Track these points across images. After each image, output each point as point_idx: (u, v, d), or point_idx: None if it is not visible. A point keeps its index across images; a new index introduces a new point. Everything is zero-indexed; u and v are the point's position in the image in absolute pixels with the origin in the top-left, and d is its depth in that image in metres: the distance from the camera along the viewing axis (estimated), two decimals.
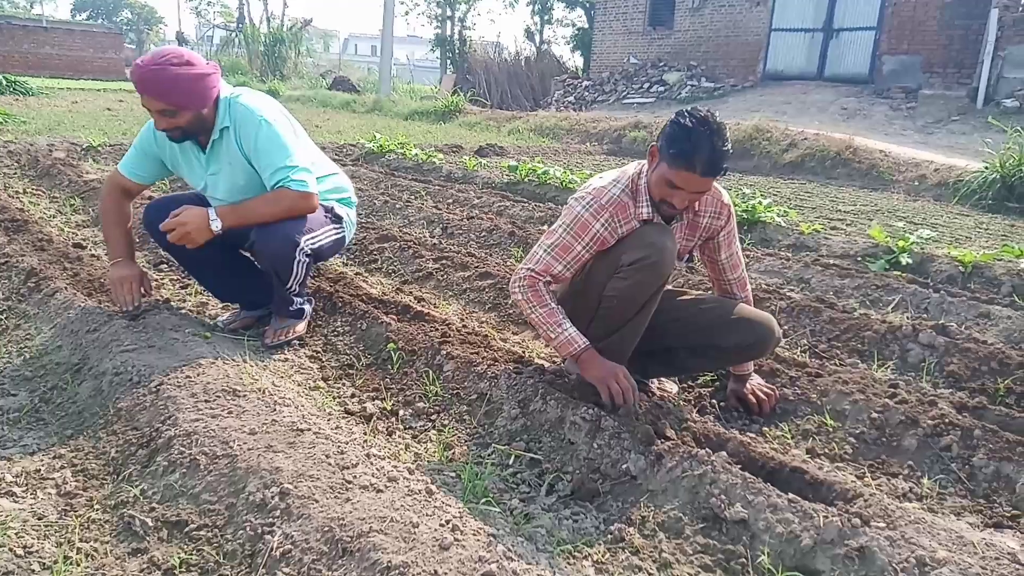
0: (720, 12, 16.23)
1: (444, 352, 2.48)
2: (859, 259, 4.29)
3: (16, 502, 1.68)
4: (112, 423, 1.98)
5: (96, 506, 1.68)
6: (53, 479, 1.78)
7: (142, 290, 2.63)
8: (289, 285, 2.63)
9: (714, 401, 2.43)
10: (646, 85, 16.62)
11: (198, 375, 2.11)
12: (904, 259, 4.08)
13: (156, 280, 3.28)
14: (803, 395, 2.40)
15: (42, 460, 1.87)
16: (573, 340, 2.10)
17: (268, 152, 2.45)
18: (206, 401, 1.95)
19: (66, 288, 2.86)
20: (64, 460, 1.87)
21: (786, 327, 3.06)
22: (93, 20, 47.15)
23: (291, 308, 2.73)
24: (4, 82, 13.89)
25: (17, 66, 21.93)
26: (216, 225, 2.39)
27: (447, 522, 1.52)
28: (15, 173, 5.96)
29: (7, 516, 1.60)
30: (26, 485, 1.75)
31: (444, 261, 3.77)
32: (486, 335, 2.80)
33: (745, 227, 4.96)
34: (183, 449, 1.75)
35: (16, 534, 1.55)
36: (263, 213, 2.47)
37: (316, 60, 31.80)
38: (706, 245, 2.34)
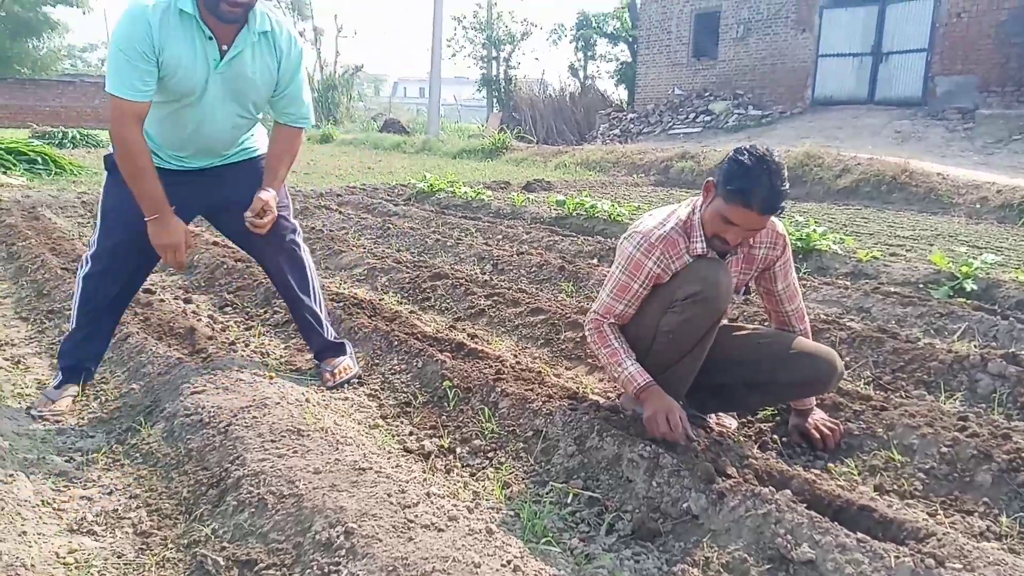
0: (765, 40, 16.19)
1: (499, 389, 2.50)
2: (921, 286, 4.17)
3: (97, 540, 1.75)
4: (183, 463, 2.06)
5: (170, 545, 1.74)
6: (130, 518, 1.85)
7: (187, 248, 2.45)
8: (312, 291, 2.78)
9: (775, 436, 2.38)
10: (692, 115, 16.61)
11: (264, 415, 2.18)
12: (968, 285, 3.95)
13: (221, 323, 3.41)
14: (868, 429, 2.33)
15: (119, 500, 1.95)
16: (633, 378, 2.14)
17: (301, 87, 2.54)
18: (272, 441, 2.02)
19: (137, 332, 3.00)
20: (139, 500, 1.95)
21: (848, 359, 2.99)
22: None
23: (330, 339, 2.83)
24: (78, 136, 14.73)
25: (90, 120, 23.26)
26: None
27: (508, 562, 1.53)
28: (88, 222, 6.29)
29: (90, 555, 1.68)
30: (105, 524, 1.83)
31: (496, 297, 3.82)
32: (540, 371, 2.82)
33: (800, 255, 4.88)
34: (251, 489, 1.81)
35: (98, 572, 1.62)
36: (287, 171, 2.62)
37: (367, 104, 32.84)
38: (762, 276, 2.32)
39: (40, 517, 1.81)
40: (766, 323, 2.54)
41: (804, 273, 4.60)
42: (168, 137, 2.46)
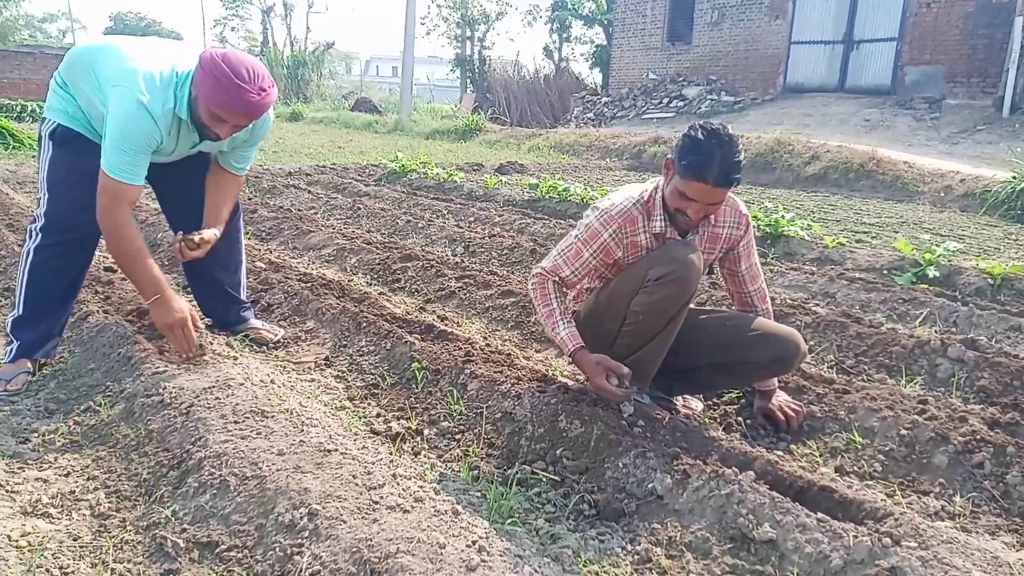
0: (739, 26, 16.23)
1: (468, 371, 2.49)
2: (885, 272, 4.24)
3: (52, 523, 1.71)
4: (144, 444, 2.02)
5: (129, 527, 1.71)
6: (87, 500, 1.82)
7: (199, 326, 2.50)
8: (243, 260, 3.00)
9: (740, 419, 2.42)
10: (665, 100, 16.63)
11: (227, 396, 2.14)
12: (931, 272, 4.03)
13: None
14: (831, 412, 2.37)
15: (77, 481, 1.91)
16: (565, 342, 2.19)
17: (255, 150, 2.72)
18: (235, 422, 1.98)
19: (98, 311, 2.93)
20: (98, 481, 1.91)
21: (812, 343, 3.03)
22: None
23: (246, 302, 3.02)
24: (37, 109, 14.26)
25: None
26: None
27: (473, 543, 1.52)
28: None
29: (44, 537, 1.64)
30: (62, 506, 1.79)
31: (466, 279, 3.80)
32: (509, 353, 2.81)
33: (768, 241, 4.93)
34: (213, 470, 1.78)
35: (53, 555, 1.58)
36: (228, 212, 2.71)
37: (338, 82, 32.26)
38: (726, 257, 2.35)
39: None
40: (730, 306, 2.57)
41: (772, 258, 4.65)
42: None
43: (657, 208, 2.15)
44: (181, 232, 2.56)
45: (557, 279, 2.23)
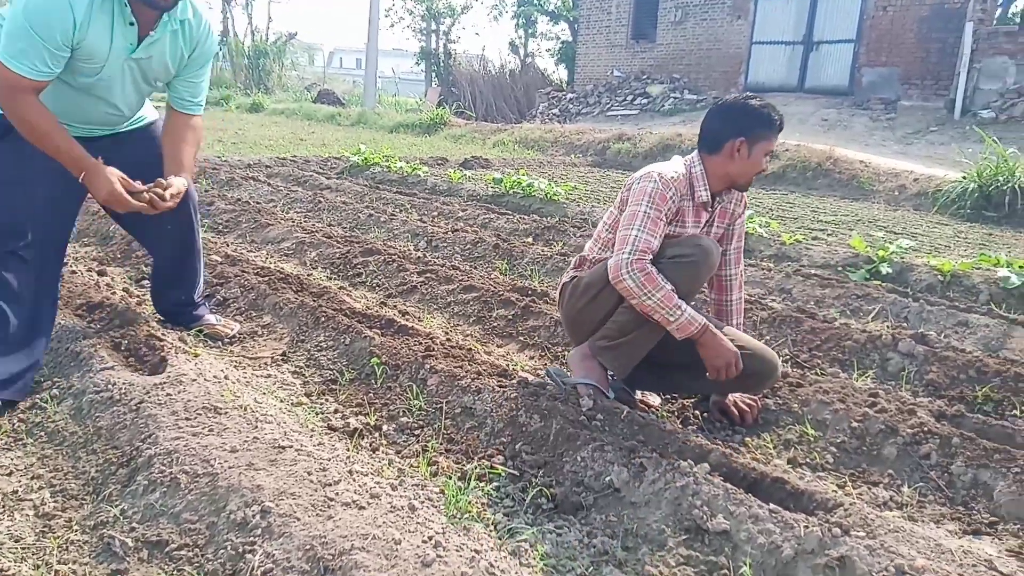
0: (702, 25, 16.43)
1: (428, 366, 2.48)
2: (840, 269, 4.34)
3: None
4: (91, 442, 1.96)
5: (75, 527, 1.66)
6: (31, 500, 1.76)
7: (136, 185, 2.26)
8: (198, 245, 2.80)
9: (697, 412, 2.45)
10: (630, 97, 16.74)
11: (179, 392, 2.09)
12: (884, 269, 4.13)
13: (137, 296, 3.27)
14: (785, 405, 2.42)
15: (20, 481, 1.84)
16: (693, 320, 2.12)
17: (205, 78, 2.53)
18: (187, 419, 1.94)
19: None
20: (42, 480, 1.85)
21: (768, 337, 3.08)
22: None
23: (202, 295, 2.94)
24: None
25: None
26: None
27: (430, 538, 1.52)
28: None
29: None
30: (3, 507, 1.72)
31: (428, 274, 3.77)
32: (470, 348, 2.80)
33: None
34: (164, 468, 1.74)
35: None
36: (193, 159, 2.53)
37: (301, 73, 31.79)
38: (722, 235, 2.42)
39: None
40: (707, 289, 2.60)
41: None
42: (67, 111, 2.29)
43: (700, 181, 2.25)
44: (150, 184, 2.28)
45: (650, 255, 2.12)
